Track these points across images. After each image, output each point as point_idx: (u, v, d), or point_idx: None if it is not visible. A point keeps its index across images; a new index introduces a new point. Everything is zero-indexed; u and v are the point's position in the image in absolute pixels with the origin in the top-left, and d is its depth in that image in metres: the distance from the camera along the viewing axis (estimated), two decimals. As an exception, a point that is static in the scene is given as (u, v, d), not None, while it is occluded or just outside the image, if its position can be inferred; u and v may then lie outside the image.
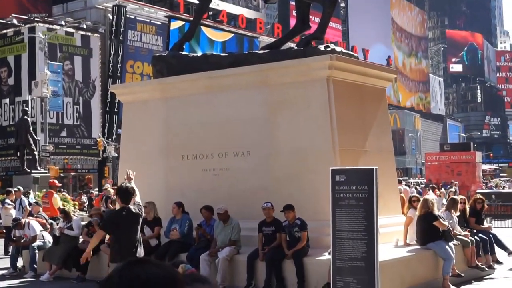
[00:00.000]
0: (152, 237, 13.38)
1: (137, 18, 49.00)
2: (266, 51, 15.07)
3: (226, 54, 16.74)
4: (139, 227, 9.86)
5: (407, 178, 57.67)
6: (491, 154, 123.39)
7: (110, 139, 46.60)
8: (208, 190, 14.06)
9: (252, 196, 13.32)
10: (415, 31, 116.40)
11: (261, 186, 13.45)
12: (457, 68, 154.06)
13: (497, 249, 15.05)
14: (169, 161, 15.12)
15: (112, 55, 47.45)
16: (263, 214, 12.21)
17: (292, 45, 17.35)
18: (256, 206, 12.52)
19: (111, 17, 47.79)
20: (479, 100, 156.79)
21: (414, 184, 40.73)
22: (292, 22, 45.96)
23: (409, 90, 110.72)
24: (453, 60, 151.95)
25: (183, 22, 49.58)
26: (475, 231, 14.53)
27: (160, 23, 50.29)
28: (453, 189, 27.81)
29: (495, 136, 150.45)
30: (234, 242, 12.44)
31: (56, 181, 22.26)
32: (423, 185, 39.54)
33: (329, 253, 9.93)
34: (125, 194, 9.72)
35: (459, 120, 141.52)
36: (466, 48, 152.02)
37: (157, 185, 14.97)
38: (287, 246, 11.75)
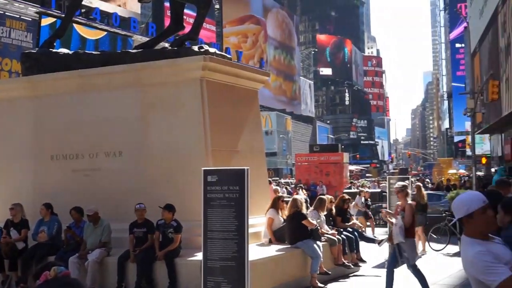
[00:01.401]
0: (18, 240, 12.97)
1: (6, 13, 47.05)
2: (140, 50, 14.95)
3: (99, 53, 16.46)
4: None
5: (278, 178, 58.72)
6: (358, 155, 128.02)
7: (-26, 138, 44.58)
8: (78, 191, 13.79)
9: (124, 197, 13.19)
10: (287, 42, 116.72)
11: (133, 187, 13.33)
12: (326, 71, 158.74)
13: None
14: (37, 162, 14.69)
15: (-22, 51, 45.40)
16: (135, 215, 12.13)
17: (166, 45, 17.31)
18: (128, 207, 12.41)
19: (-23, 12, 45.72)
20: (347, 103, 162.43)
21: (284, 184, 41.57)
22: (167, 22, 45.73)
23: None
24: (319, 66, 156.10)
25: (55, 19, 48.11)
26: (341, 230, 15.08)
27: (30, 19, 48.57)
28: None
29: (362, 138, 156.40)
30: (104, 243, 12.29)
31: None
32: (293, 185, 40.42)
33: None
34: None
35: (328, 122, 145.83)
36: (328, 47, 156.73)
37: (25, 186, 14.54)
38: (159, 246, 11.73)
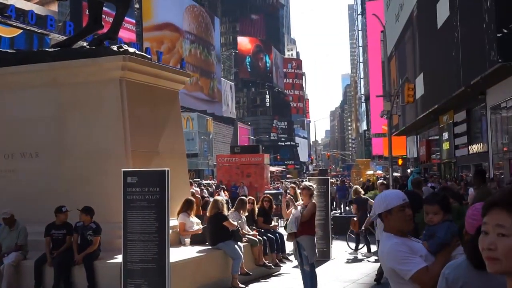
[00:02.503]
0: None
1: None
2: (57, 49, 14.63)
3: (14, 51, 16.03)
4: None
5: (199, 179, 58.59)
6: (278, 157, 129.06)
7: None
8: (-7, 193, 13.39)
9: (41, 199, 12.88)
10: (204, 36, 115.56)
11: (52, 188, 13.04)
12: (247, 73, 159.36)
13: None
14: (-51, 163, 14.18)
15: None
16: (53, 217, 11.85)
17: (84, 44, 17.01)
18: (45, 209, 12.11)
19: None
20: (267, 104, 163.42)
21: (205, 186, 41.50)
22: (85, 20, 44.91)
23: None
24: (239, 71, 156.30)
25: (-33, 16, 46.74)
26: (262, 230, 15.16)
27: None
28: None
29: (282, 139, 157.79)
30: (20, 247, 11.98)
31: None
32: (214, 187, 40.39)
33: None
34: None
35: (249, 123, 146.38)
36: (250, 56, 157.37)
37: None
38: (78, 249, 11.50)
